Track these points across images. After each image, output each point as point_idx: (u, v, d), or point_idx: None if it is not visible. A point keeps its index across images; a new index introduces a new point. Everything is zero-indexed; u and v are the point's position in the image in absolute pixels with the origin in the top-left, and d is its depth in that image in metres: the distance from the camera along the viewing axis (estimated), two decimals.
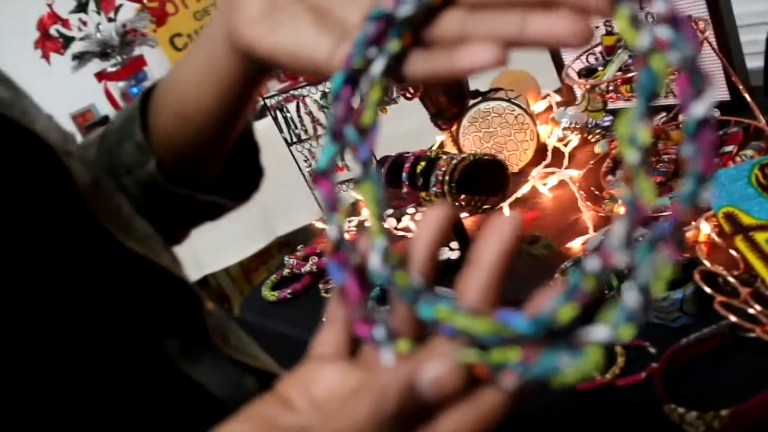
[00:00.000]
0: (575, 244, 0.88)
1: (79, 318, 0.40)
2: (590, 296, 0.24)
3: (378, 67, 0.29)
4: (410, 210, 1.18)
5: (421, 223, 0.28)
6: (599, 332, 0.23)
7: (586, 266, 0.24)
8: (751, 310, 0.62)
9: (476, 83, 1.21)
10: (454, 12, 0.29)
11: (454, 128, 1.17)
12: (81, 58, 1.97)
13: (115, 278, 0.43)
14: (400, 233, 1.15)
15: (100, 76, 2.07)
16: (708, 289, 0.66)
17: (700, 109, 0.22)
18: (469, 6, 0.29)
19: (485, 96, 1.18)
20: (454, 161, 0.94)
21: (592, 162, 1.05)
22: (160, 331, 0.44)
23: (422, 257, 0.28)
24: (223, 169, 0.55)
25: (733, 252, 0.70)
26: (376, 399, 0.25)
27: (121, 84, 2.10)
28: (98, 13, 1.97)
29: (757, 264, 0.65)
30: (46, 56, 1.99)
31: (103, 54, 1.98)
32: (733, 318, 0.61)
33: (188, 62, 0.47)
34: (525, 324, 0.24)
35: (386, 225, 0.94)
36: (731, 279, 0.66)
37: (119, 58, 2.02)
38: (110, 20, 1.98)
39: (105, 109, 2.28)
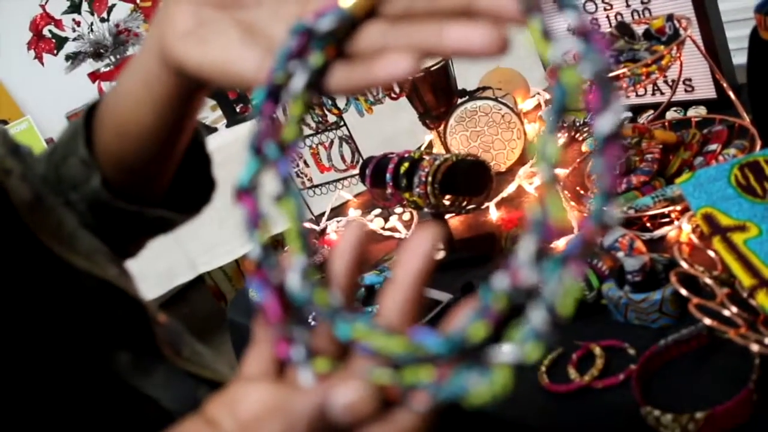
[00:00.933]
0: (559, 243, 0.88)
1: (22, 332, 0.40)
2: (501, 315, 0.23)
3: (299, 81, 0.28)
4: (398, 210, 1.17)
5: (340, 241, 0.28)
6: (505, 353, 0.22)
7: (495, 285, 0.23)
8: (726, 312, 0.61)
9: (464, 82, 1.20)
10: (376, 24, 0.29)
11: (441, 127, 1.17)
12: (74, 58, 1.98)
13: (58, 292, 0.43)
14: (387, 233, 1.15)
15: (94, 76, 2.07)
16: (684, 291, 0.65)
17: (606, 123, 0.22)
18: (391, 17, 0.29)
19: (472, 95, 1.17)
20: (437, 162, 0.93)
21: (577, 161, 1.04)
22: (108, 344, 0.44)
23: (342, 275, 0.27)
24: (175, 182, 0.54)
25: (711, 253, 0.70)
26: (288, 423, 0.25)
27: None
28: (91, 13, 1.98)
29: (734, 265, 0.64)
30: (39, 57, 1.99)
31: (97, 54, 1.98)
32: (707, 321, 0.60)
33: (127, 77, 0.46)
34: (437, 343, 0.24)
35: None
36: (707, 280, 0.65)
37: (113, 58, 2.03)
38: (103, 20, 1.98)
39: None
